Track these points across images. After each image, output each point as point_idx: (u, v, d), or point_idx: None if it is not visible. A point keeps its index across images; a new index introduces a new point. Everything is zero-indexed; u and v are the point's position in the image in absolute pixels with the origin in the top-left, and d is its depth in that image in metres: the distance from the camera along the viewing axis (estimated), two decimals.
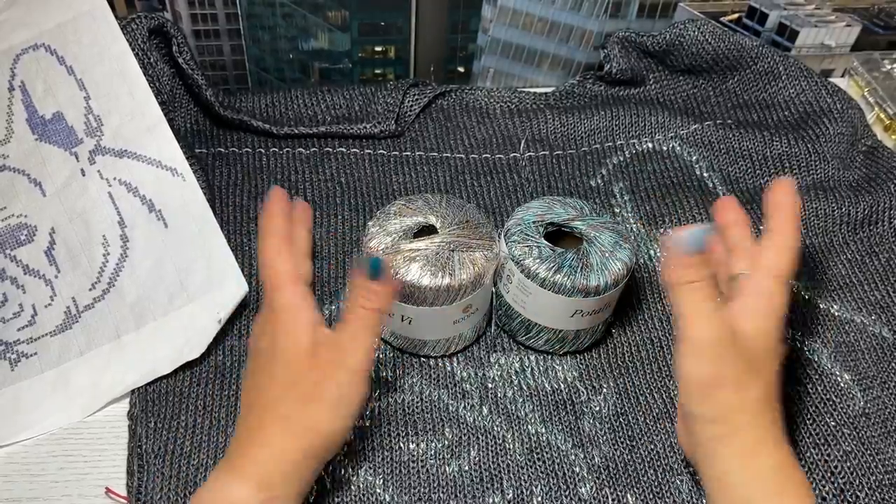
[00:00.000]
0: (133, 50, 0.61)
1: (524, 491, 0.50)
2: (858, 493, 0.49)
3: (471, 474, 0.51)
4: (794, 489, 0.43)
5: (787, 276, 0.46)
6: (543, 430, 0.53)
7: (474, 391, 0.55)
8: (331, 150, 0.70)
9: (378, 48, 0.76)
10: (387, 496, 0.50)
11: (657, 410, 0.54)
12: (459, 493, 0.50)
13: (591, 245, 0.53)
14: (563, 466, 0.51)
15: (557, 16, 0.75)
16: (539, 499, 0.50)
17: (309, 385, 0.44)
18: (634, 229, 0.64)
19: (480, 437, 0.53)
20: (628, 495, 0.50)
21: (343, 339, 0.45)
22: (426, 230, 0.53)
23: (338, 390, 0.44)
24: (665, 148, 0.71)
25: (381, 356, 0.56)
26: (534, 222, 0.54)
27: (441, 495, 0.50)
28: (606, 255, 0.52)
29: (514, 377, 0.56)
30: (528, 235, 0.53)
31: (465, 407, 0.54)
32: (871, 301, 0.60)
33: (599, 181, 0.68)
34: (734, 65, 0.74)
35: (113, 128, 0.60)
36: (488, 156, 0.71)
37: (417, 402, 0.54)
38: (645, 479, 0.51)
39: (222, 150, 0.69)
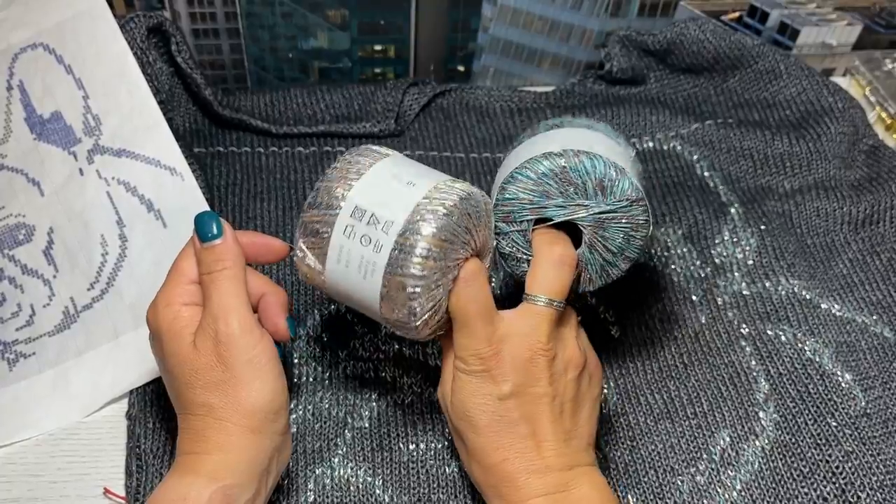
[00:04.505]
0: (132, 49, 0.61)
1: None
2: (860, 494, 0.49)
3: None
4: None
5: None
6: None
7: None
8: (330, 149, 0.70)
9: (378, 47, 0.75)
10: (386, 497, 0.50)
11: (657, 410, 0.54)
12: (459, 493, 0.50)
13: (592, 251, 0.47)
14: None
15: (558, 14, 0.74)
16: None
17: (207, 372, 0.44)
18: None
19: None
20: (629, 496, 0.50)
21: (211, 314, 0.44)
22: None
23: (235, 358, 0.44)
24: (666, 147, 0.70)
25: (380, 356, 0.56)
26: (525, 219, 0.47)
27: (441, 496, 0.50)
28: (608, 258, 0.47)
29: None
30: (516, 243, 0.47)
31: None
32: (873, 301, 0.60)
33: None
34: (735, 64, 0.74)
35: (111, 127, 0.60)
36: (488, 155, 0.70)
37: (417, 402, 0.54)
38: (645, 479, 0.51)
39: (221, 149, 0.69)
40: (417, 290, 0.43)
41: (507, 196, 0.46)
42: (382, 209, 0.44)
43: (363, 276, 0.44)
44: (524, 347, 0.44)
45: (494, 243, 0.48)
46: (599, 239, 0.46)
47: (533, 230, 0.47)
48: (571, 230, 0.47)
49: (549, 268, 0.45)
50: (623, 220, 0.46)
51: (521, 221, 0.46)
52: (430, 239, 0.42)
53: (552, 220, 0.46)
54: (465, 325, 0.44)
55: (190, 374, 0.44)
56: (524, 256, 0.47)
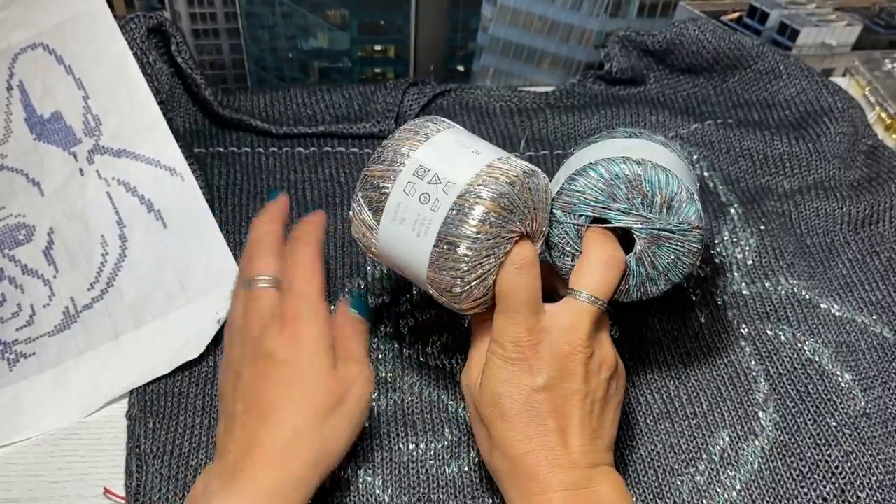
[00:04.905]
0: (132, 49, 0.61)
1: None
2: (859, 494, 0.49)
3: (470, 475, 0.51)
4: None
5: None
6: None
7: None
8: (330, 149, 0.70)
9: (378, 47, 0.75)
10: (386, 496, 0.50)
11: (657, 410, 0.54)
12: (459, 493, 0.50)
13: (639, 264, 0.47)
14: None
15: (557, 15, 0.74)
16: None
17: (331, 399, 0.45)
18: None
19: None
20: None
21: (354, 358, 0.48)
22: None
23: (357, 400, 0.46)
24: None
25: (380, 356, 0.56)
26: (584, 214, 0.47)
27: (441, 496, 0.50)
28: (652, 275, 0.47)
29: None
30: (567, 235, 0.47)
31: (465, 407, 0.54)
32: (873, 301, 0.60)
33: None
34: (735, 64, 0.74)
35: (111, 127, 0.60)
36: None
37: (417, 403, 0.54)
38: (645, 479, 0.51)
39: (221, 149, 0.69)
40: (469, 253, 0.43)
41: (575, 187, 0.46)
42: (446, 170, 0.44)
43: (417, 234, 0.44)
44: (564, 342, 0.44)
45: (547, 230, 0.48)
46: (650, 254, 0.46)
47: (587, 227, 0.47)
48: (622, 239, 0.47)
49: (598, 266, 0.46)
50: (678, 243, 0.46)
51: (580, 216, 0.46)
52: (490, 203, 0.42)
53: (611, 222, 0.46)
54: (512, 309, 0.44)
55: (311, 393, 0.45)
56: (571, 251, 0.47)
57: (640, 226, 0.46)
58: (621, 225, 0.46)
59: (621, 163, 0.46)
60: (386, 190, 0.45)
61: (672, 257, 0.46)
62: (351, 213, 0.47)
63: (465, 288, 0.44)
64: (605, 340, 0.47)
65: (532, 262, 0.45)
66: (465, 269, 0.43)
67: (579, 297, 0.45)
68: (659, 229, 0.45)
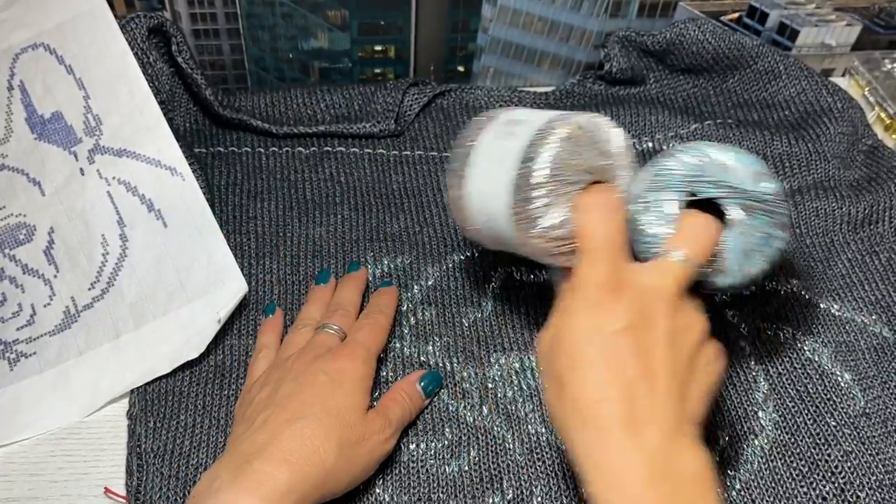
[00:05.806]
0: (132, 49, 0.61)
1: (524, 491, 0.50)
2: (859, 493, 0.49)
3: (471, 474, 0.51)
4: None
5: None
6: (544, 430, 0.53)
7: (474, 391, 0.55)
8: (330, 149, 0.70)
9: (378, 48, 0.76)
10: (386, 496, 0.50)
11: None
12: (459, 493, 0.50)
13: (735, 237, 0.45)
14: (563, 466, 0.51)
15: (557, 15, 0.74)
16: (539, 499, 0.50)
17: (352, 435, 0.47)
18: None
19: (480, 437, 0.52)
20: None
21: (388, 419, 0.50)
22: None
23: (368, 452, 0.48)
24: (665, 147, 0.71)
25: (381, 356, 0.56)
26: (677, 189, 0.46)
27: (441, 495, 0.50)
28: (748, 251, 0.46)
29: (514, 377, 0.55)
30: (659, 212, 0.46)
31: (464, 407, 0.54)
32: (872, 301, 0.60)
33: None
34: (734, 64, 0.74)
35: (112, 127, 0.60)
36: None
37: None
38: None
39: (221, 149, 0.69)
40: (548, 166, 0.44)
41: (665, 166, 0.47)
42: (531, 116, 0.48)
43: (501, 162, 0.46)
44: (649, 290, 0.42)
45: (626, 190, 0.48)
46: (744, 226, 0.46)
47: (680, 209, 0.46)
48: None
49: (691, 229, 0.45)
50: (769, 214, 0.46)
51: (672, 191, 0.46)
52: (571, 126, 0.46)
53: (700, 198, 0.46)
54: (593, 251, 0.43)
55: (339, 421, 0.47)
56: (662, 231, 0.46)
57: (731, 196, 0.46)
58: (713, 196, 0.46)
59: (708, 146, 0.47)
60: (474, 142, 0.49)
61: (765, 230, 0.46)
62: (446, 172, 0.51)
63: (545, 203, 0.45)
64: (693, 306, 0.44)
65: (616, 206, 0.45)
66: (543, 179, 0.44)
67: (670, 256, 0.44)
68: (749, 199, 0.45)
